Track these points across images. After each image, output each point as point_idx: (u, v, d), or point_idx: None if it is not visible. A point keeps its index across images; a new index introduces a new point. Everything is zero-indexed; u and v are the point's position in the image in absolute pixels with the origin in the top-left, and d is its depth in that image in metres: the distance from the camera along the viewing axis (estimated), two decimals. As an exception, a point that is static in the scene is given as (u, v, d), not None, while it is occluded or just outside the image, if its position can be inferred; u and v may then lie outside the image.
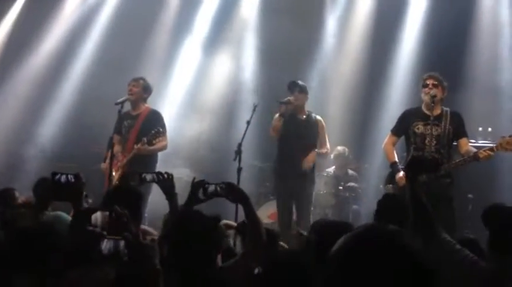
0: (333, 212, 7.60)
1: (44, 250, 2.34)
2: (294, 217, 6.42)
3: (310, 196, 6.42)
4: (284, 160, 6.38)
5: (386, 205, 3.91)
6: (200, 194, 3.44)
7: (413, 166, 3.06)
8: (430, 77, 5.59)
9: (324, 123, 6.57)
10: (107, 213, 2.68)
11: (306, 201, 6.33)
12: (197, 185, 3.48)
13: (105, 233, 2.23)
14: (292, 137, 6.34)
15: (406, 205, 3.78)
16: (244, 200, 3.33)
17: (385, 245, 1.41)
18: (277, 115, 6.47)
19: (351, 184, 7.85)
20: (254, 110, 6.06)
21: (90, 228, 2.41)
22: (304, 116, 6.48)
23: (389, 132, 5.87)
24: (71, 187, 3.20)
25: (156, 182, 3.79)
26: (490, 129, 7.10)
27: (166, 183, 3.75)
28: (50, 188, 3.43)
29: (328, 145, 6.58)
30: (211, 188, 3.41)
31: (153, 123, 6.26)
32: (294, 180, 6.26)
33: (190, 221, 2.85)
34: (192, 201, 3.47)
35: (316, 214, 7.05)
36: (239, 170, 5.87)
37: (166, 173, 3.77)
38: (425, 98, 5.53)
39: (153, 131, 6.07)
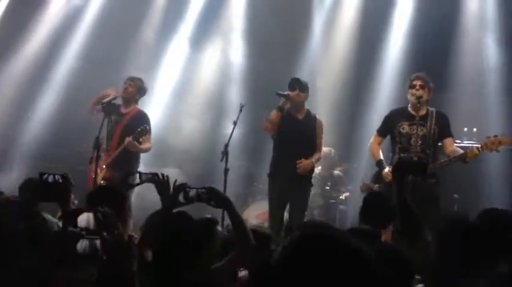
0: (319, 212, 7.62)
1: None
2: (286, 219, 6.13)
3: (306, 200, 6.06)
4: (280, 161, 6.00)
5: (372, 203, 3.95)
6: (181, 198, 3.39)
7: (400, 167, 3.08)
8: (418, 78, 5.63)
9: (322, 125, 6.21)
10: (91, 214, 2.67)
11: (300, 204, 5.96)
12: (178, 189, 3.44)
13: (83, 233, 2.21)
14: (289, 138, 5.96)
15: (391, 203, 3.86)
16: (227, 205, 3.27)
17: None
18: (274, 110, 6.03)
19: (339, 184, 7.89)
20: (241, 110, 6.04)
21: (70, 229, 2.38)
22: (303, 116, 6.11)
23: (375, 132, 5.91)
24: (59, 188, 3.18)
25: (153, 182, 3.79)
26: (475, 129, 7.15)
27: (163, 184, 3.75)
28: (36, 189, 3.40)
29: (321, 150, 6.22)
30: (192, 192, 3.34)
31: (140, 123, 6.25)
32: (289, 182, 5.89)
33: (172, 224, 2.84)
34: (172, 204, 3.42)
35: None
36: (226, 171, 5.84)
37: (162, 174, 3.76)
38: (412, 98, 5.57)
39: (139, 129, 6.06)
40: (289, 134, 5.96)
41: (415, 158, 5.33)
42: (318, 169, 7.91)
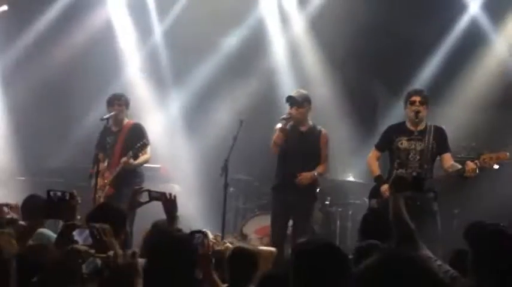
0: (319, 227, 7.61)
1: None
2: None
3: (310, 213, 6.06)
4: (283, 175, 6.04)
5: (371, 220, 3.97)
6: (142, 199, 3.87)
7: (397, 183, 3.10)
8: (417, 94, 5.66)
9: (327, 138, 6.19)
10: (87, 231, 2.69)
11: (304, 218, 5.94)
12: (136, 192, 3.97)
13: (92, 251, 2.22)
14: (291, 151, 6.01)
15: (390, 221, 3.90)
16: (170, 216, 3.63)
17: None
18: (277, 129, 6.10)
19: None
20: (241, 125, 6.07)
21: (75, 246, 2.39)
22: (306, 129, 6.14)
23: (373, 147, 5.94)
24: (65, 205, 3.20)
25: (161, 201, 3.85)
26: (473, 144, 7.18)
27: (170, 204, 3.80)
28: (40, 206, 3.42)
29: (326, 163, 6.18)
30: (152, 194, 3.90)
31: (137, 137, 6.30)
32: (293, 195, 5.91)
33: (162, 243, 2.86)
34: (133, 205, 3.90)
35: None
36: (226, 185, 5.86)
37: (170, 193, 3.84)
38: (411, 114, 5.60)
39: (138, 144, 6.11)
40: (291, 146, 6.02)
41: (414, 174, 5.37)
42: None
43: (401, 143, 5.64)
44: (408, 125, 5.68)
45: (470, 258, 2.57)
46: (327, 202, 7.91)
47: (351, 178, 8.05)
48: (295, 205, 5.92)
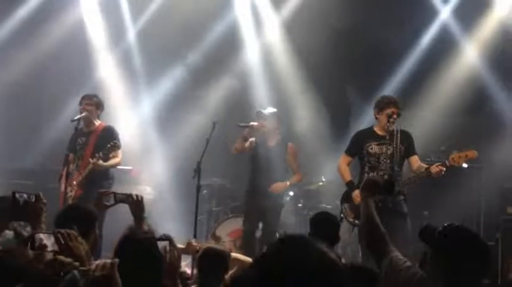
0: (293, 230, 7.63)
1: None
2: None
3: (278, 218, 6.63)
4: (254, 183, 6.57)
5: (319, 223, 4.07)
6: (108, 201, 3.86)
7: (368, 186, 3.13)
8: (396, 106, 5.67)
9: (294, 149, 6.71)
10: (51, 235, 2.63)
11: (273, 222, 6.54)
12: (101, 195, 3.95)
13: (77, 264, 2.17)
14: (260, 164, 6.52)
15: (338, 223, 4.26)
16: (137, 217, 3.61)
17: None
18: (241, 138, 6.54)
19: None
20: (214, 127, 6.07)
21: (60, 257, 2.30)
22: (274, 144, 6.61)
23: (343, 153, 6.02)
24: (31, 207, 3.15)
25: (127, 203, 3.78)
26: (442, 148, 7.29)
27: (137, 205, 3.74)
28: (8, 208, 3.35)
29: (298, 174, 6.77)
30: (118, 196, 3.88)
31: (108, 139, 6.22)
32: (263, 202, 6.46)
33: (127, 248, 2.82)
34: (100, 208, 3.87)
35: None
36: (198, 187, 5.87)
37: (136, 195, 3.78)
38: (386, 124, 5.61)
39: (108, 145, 6.04)
40: (260, 160, 6.51)
41: (386, 176, 5.46)
42: (291, 193, 7.91)
43: (371, 148, 5.74)
44: (376, 129, 5.79)
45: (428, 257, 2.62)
46: (300, 205, 7.95)
47: (323, 182, 8.09)
48: (265, 210, 6.44)
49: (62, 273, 2.04)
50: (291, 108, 8.77)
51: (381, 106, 5.74)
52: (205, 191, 7.95)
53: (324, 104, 8.78)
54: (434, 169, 5.36)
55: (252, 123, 6.40)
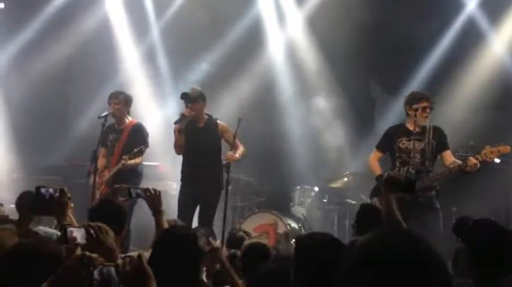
0: (318, 225, 7.64)
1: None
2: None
3: (215, 204, 6.26)
4: (189, 169, 6.26)
5: (364, 216, 4.00)
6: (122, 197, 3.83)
7: (389, 183, 3.11)
8: (428, 101, 5.67)
9: (225, 125, 6.34)
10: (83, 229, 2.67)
11: (209, 208, 6.18)
12: (116, 190, 3.99)
13: (102, 259, 2.20)
14: (193, 147, 6.19)
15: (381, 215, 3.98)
16: (155, 211, 3.58)
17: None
18: (176, 132, 6.21)
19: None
20: (239, 123, 6.08)
21: (87, 253, 2.33)
22: (203, 124, 6.31)
23: (374, 148, 6.01)
24: (55, 202, 3.19)
25: (143, 198, 3.80)
26: (471, 143, 7.20)
27: (154, 199, 3.76)
28: (32, 202, 3.41)
29: (240, 146, 6.22)
30: (133, 191, 3.86)
31: (138, 138, 6.32)
32: (200, 187, 6.11)
33: (171, 241, 2.86)
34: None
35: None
36: (227, 182, 5.88)
37: (154, 189, 3.78)
38: (420, 119, 5.60)
39: (135, 150, 6.12)
40: (192, 143, 6.19)
41: (412, 172, 5.46)
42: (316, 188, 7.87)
43: (402, 143, 5.73)
44: (408, 125, 5.78)
45: (468, 257, 2.59)
46: (325, 200, 7.94)
47: (349, 177, 8.06)
48: (201, 196, 6.14)
49: (91, 268, 2.05)
50: (315, 104, 8.75)
51: (412, 101, 5.71)
52: (229, 187, 7.97)
53: (348, 99, 8.74)
54: (470, 162, 5.28)
55: (183, 113, 6.12)
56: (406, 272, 1.37)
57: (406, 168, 5.61)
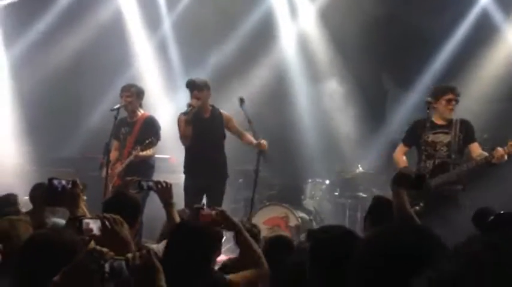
0: (329, 218, 7.63)
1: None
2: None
3: (222, 193, 6.26)
4: (194, 160, 6.22)
5: (377, 208, 3.98)
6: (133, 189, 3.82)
7: (398, 180, 3.11)
8: (454, 93, 5.65)
9: (229, 116, 6.32)
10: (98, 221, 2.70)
11: (217, 198, 6.08)
12: (127, 183, 3.97)
13: (112, 253, 2.22)
14: (198, 137, 6.12)
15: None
16: (235, 229, 3.36)
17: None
18: (182, 123, 6.16)
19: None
20: (242, 104, 6.02)
21: (97, 247, 2.35)
22: (208, 114, 6.26)
23: (400, 143, 5.99)
24: (67, 193, 3.21)
25: (154, 191, 3.82)
26: (485, 135, 7.15)
27: (165, 192, 3.77)
28: (45, 194, 3.43)
29: (248, 133, 6.17)
30: (144, 184, 3.85)
31: (150, 131, 6.35)
32: (205, 179, 6.08)
33: (186, 235, 2.88)
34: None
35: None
36: (257, 171, 5.84)
37: (165, 182, 3.80)
38: (446, 111, 5.59)
39: (146, 141, 6.15)
40: (199, 133, 6.12)
41: (438, 162, 5.49)
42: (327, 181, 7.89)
43: (428, 137, 5.66)
44: (434, 119, 5.69)
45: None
46: (336, 193, 7.93)
47: (360, 169, 8.04)
48: (208, 186, 6.10)
49: (102, 262, 2.07)
50: (326, 96, 8.73)
51: (438, 94, 5.65)
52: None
53: (360, 92, 8.70)
54: (496, 153, 5.20)
55: (190, 103, 6.06)
56: (414, 265, 1.39)
57: (432, 161, 5.57)
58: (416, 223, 2.94)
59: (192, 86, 6.11)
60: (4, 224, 3.08)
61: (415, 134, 5.79)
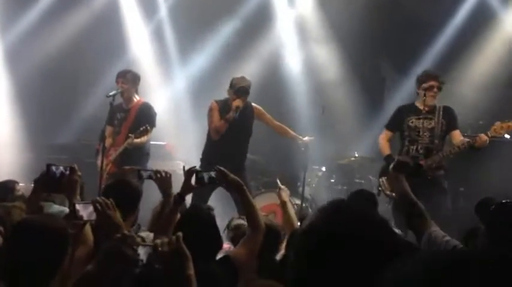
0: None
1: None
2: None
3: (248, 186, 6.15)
4: (220, 155, 6.01)
5: (356, 199, 4.06)
6: (192, 182, 3.54)
7: (398, 166, 3.14)
8: (436, 80, 5.68)
9: (261, 109, 6.39)
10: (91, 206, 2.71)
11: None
12: (189, 173, 3.57)
13: (139, 239, 2.21)
14: (230, 130, 6.10)
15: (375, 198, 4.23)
16: (238, 187, 3.36)
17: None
18: (216, 112, 6.16)
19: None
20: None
21: (131, 234, 2.33)
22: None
23: (384, 128, 5.99)
24: (66, 179, 3.20)
25: (153, 180, 3.81)
26: (481, 122, 7.17)
27: (164, 181, 3.76)
28: (42, 180, 3.42)
29: (283, 125, 6.46)
30: (203, 175, 3.51)
31: (145, 118, 6.31)
32: (233, 172, 6.00)
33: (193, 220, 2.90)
34: (185, 189, 3.56)
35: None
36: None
37: (164, 171, 3.79)
38: (427, 99, 5.62)
39: (141, 129, 6.12)
40: (230, 130, 6.09)
41: (421, 149, 5.53)
42: (323, 168, 7.91)
43: (412, 122, 5.76)
44: (418, 104, 5.78)
45: (482, 232, 2.58)
46: (332, 180, 7.94)
47: (356, 157, 8.04)
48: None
49: (135, 247, 2.08)
50: (324, 82, 8.71)
51: (421, 80, 5.73)
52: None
53: (358, 78, 8.68)
54: (479, 139, 5.28)
55: (235, 105, 6.02)
56: (359, 248, 1.40)
57: (414, 146, 5.63)
58: (420, 207, 2.93)
59: (245, 93, 6.10)
60: None
61: (399, 119, 5.85)
